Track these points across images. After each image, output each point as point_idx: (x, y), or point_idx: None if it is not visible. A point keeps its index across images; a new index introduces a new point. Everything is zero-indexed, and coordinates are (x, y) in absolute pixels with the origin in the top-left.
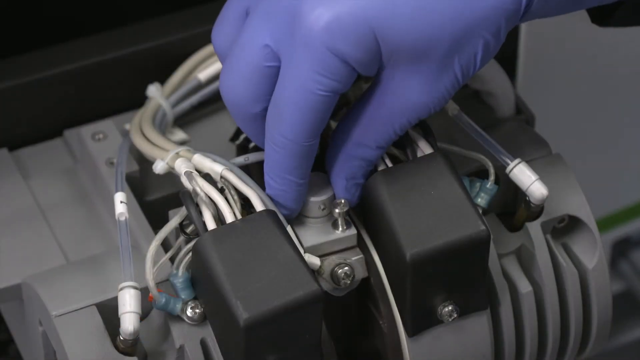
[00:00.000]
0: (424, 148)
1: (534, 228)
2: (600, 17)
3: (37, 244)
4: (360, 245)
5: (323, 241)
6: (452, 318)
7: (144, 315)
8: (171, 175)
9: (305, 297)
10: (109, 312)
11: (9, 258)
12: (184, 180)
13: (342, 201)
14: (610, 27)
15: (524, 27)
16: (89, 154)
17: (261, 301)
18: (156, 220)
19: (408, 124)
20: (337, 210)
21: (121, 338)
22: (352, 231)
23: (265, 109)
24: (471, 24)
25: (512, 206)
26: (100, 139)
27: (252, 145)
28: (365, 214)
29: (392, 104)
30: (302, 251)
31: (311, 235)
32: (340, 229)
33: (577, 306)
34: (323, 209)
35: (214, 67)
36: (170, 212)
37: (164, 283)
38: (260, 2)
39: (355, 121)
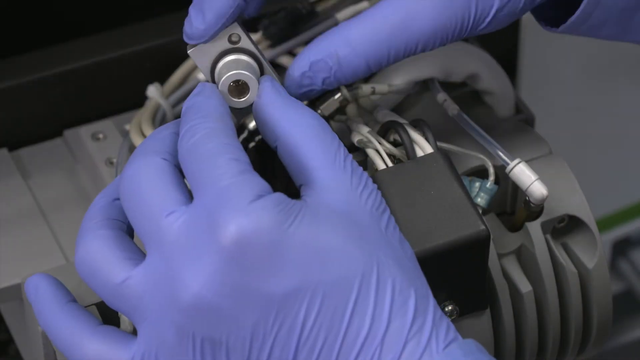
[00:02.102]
0: (424, 148)
1: (534, 228)
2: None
3: (37, 244)
4: None
5: None
6: (452, 318)
7: None
8: None
9: None
10: (109, 312)
11: (9, 258)
12: None
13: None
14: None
15: (524, 27)
16: (89, 154)
17: None
18: None
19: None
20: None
21: None
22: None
23: None
24: None
25: (512, 206)
26: (100, 139)
27: (251, 145)
28: None
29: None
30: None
31: None
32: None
33: (577, 306)
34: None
35: None
36: None
37: None
38: None
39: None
